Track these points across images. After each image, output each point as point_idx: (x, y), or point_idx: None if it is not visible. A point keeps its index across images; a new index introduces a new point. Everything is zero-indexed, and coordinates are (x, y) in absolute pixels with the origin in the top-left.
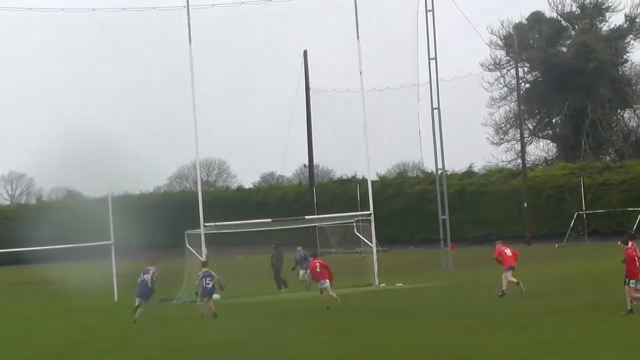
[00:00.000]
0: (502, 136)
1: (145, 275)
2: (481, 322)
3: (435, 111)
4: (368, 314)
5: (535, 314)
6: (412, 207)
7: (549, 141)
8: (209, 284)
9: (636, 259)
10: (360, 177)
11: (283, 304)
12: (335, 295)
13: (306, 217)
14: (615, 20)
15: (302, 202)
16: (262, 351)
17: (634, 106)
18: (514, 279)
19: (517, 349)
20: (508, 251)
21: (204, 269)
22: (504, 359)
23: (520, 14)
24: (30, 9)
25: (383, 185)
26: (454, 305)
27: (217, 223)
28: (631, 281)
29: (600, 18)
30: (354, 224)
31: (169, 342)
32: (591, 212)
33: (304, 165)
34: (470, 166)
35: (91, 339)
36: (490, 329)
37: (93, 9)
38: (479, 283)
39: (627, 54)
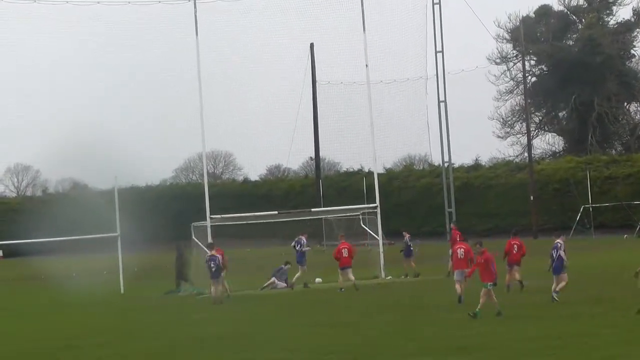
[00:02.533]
0: (509, 130)
1: (212, 263)
2: (486, 314)
3: (442, 104)
4: (372, 307)
5: (539, 307)
6: (418, 200)
7: (556, 135)
8: (213, 267)
9: (493, 261)
10: (367, 170)
11: (287, 297)
12: None
13: (312, 209)
14: (622, 13)
15: (308, 195)
16: (264, 344)
17: None
18: (352, 277)
19: (520, 341)
20: (345, 251)
21: (210, 253)
22: (506, 351)
23: (528, 7)
24: (35, 1)
25: (389, 178)
26: None
27: (223, 215)
28: (488, 283)
29: (608, 12)
30: (360, 217)
31: (173, 333)
32: (597, 205)
33: (310, 157)
34: (477, 159)
35: (96, 331)
36: (494, 321)
37: (98, 2)
38: None
39: (634, 48)
